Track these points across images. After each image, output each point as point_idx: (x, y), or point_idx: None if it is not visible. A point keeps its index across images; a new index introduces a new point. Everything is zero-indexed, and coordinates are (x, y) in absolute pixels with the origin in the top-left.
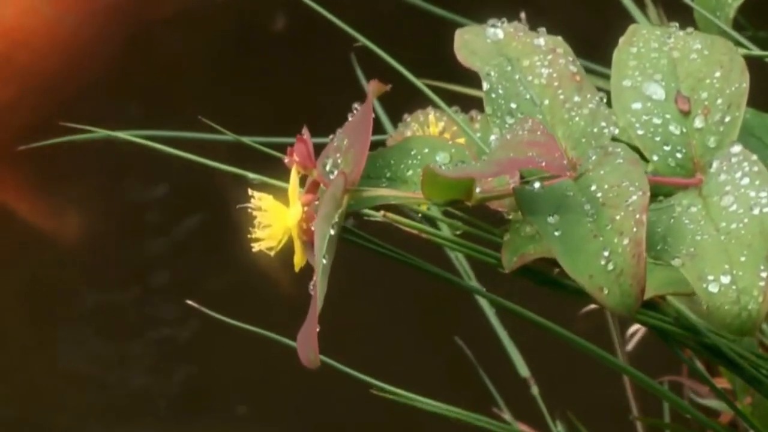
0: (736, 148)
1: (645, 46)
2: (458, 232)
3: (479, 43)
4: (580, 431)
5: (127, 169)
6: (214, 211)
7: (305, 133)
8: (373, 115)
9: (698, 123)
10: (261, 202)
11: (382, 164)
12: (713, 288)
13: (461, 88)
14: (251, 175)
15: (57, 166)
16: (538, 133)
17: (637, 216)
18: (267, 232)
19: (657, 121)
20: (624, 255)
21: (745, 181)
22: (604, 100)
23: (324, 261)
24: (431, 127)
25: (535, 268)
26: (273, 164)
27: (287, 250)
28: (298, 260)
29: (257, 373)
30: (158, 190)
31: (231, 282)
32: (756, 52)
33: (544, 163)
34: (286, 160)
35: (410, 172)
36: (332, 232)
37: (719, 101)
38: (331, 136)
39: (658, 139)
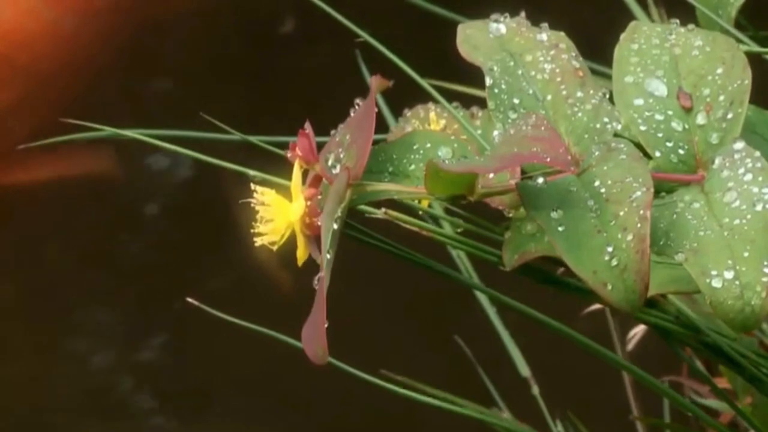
0: (739, 145)
1: (646, 42)
2: (459, 230)
3: (482, 38)
4: (581, 431)
5: (127, 168)
6: (214, 211)
7: (307, 127)
8: (376, 110)
9: (700, 119)
10: (264, 197)
11: (384, 159)
12: (716, 283)
13: (463, 88)
14: (252, 173)
15: (57, 167)
16: (542, 128)
17: (641, 212)
18: (269, 227)
19: (659, 117)
20: (628, 251)
21: (748, 177)
22: (607, 96)
23: (328, 256)
24: (432, 124)
25: (536, 266)
26: (274, 164)
27: (288, 250)
28: (301, 255)
29: (257, 373)
30: (159, 190)
31: (231, 282)
32: (756, 48)
33: (548, 159)
34: (289, 154)
35: (413, 167)
36: (335, 226)
37: (722, 98)
38: (333, 131)
39: (660, 135)
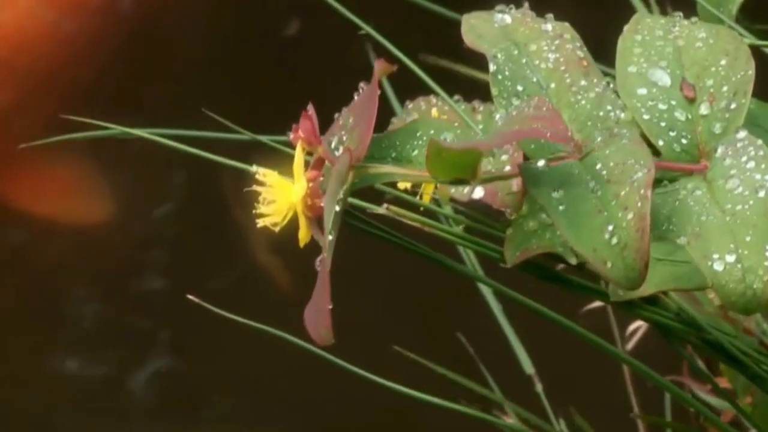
0: (742, 134)
1: (650, 34)
2: (461, 227)
3: (486, 28)
4: (583, 429)
5: (127, 168)
6: (215, 211)
7: (310, 109)
8: (379, 92)
9: (704, 110)
10: (266, 178)
11: (387, 145)
12: (718, 266)
13: (466, 69)
14: (253, 168)
15: (57, 167)
16: (544, 109)
17: (642, 191)
18: (271, 208)
19: (662, 106)
20: (628, 229)
21: (751, 164)
22: (611, 86)
23: (330, 237)
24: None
25: (537, 262)
26: (274, 165)
27: (288, 250)
28: (303, 236)
29: (257, 373)
30: (159, 190)
31: (231, 281)
32: (757, 41)
33: (549, 134)
34: (291, 136)
35: (415, 152)
36: (337, 208)
37: (725, 88)
38: (336, 115)
39: (663, 124)
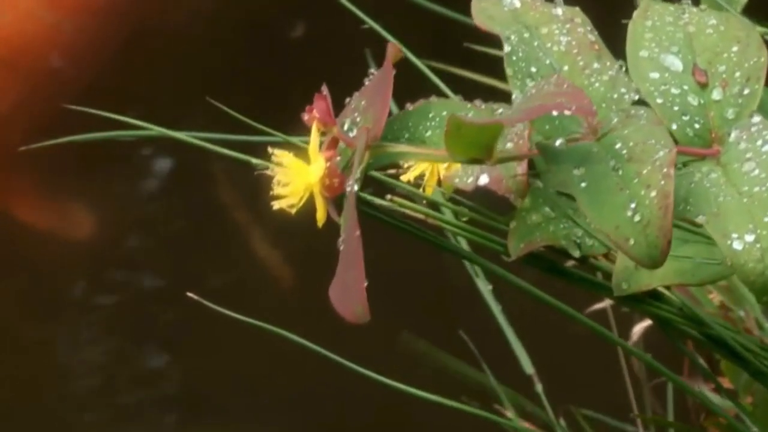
0: (756, 118)
1: (660, 19)
2: (464, 219)
3: (496, 11)
4: (584, 429)
5: (127, 168)
6: (215, 210)
7: (324, 90)
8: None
9: (716, 95)
10: (281, 159)
11: (400, 127)
12: (737, 245)
13: (468, 73)
14: (255, 161)
15: (58, 167)
16: (565, 86)
17: (665, 170)
18: (288, 189)
19: (675, 91)
20: (651, 207)
21: (766, 148)
22: (624, 69)
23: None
24: None
25: (541, 255)
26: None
27: (288, 251)
28: (321, 216)
29: (256, 372)
30: (158, 190)
31: (231, 281)
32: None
33: (574, 107)
34: (306, 117)
35: (429, 133)
36: (355, 188)
37: (737, 74)
38: (347, 99)
39: (676, 108)
